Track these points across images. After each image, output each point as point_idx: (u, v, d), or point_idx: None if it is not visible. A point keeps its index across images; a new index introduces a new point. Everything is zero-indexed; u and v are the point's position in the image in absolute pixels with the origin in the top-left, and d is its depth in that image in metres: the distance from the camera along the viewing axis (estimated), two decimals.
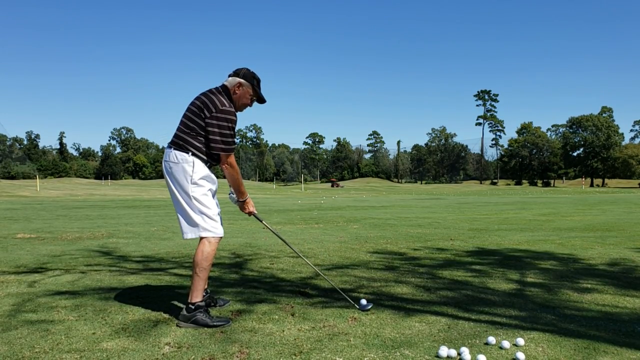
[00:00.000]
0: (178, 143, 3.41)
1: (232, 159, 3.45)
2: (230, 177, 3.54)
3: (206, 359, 2.72)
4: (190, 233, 3.40)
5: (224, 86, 3.48)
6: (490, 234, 9.07)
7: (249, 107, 3.60)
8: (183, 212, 3.40)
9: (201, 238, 3.39)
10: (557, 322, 3.41)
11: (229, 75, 3.51)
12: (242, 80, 3.46)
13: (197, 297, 3.37)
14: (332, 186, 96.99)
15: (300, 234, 9.06)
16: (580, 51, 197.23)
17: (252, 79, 3.49)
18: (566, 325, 3.34)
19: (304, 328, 3.26)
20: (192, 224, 3.38)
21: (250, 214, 3.71)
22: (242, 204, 3.68)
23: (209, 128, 3.34)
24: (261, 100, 3.62)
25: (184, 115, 3.44)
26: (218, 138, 3.35)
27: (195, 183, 3.37)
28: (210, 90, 3.46)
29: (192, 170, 3.36)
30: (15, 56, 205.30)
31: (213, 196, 3.53)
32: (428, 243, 7.65)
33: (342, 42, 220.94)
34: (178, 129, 3.46)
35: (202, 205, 3.37)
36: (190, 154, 3.37)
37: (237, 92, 3.47)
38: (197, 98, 3.44)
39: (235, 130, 3.49)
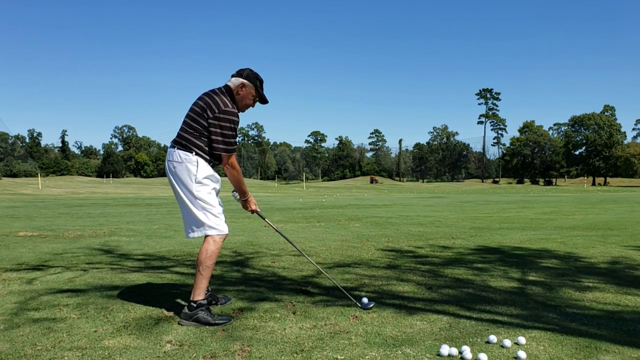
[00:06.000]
0: (181, 143, 3.42)
1: (233, 159, 3.47)
2: (231, 177, 3.57)
3: (208, 357, 2.73)
4: (195, 232, 3.42)
5: (227, 86, 3.49)
6: (492, 232, 9.07)
7: (251, 107, 3.61)
8: (187, 211, 3.41)
9: (206, 236, 3.41)
10: (558, 320, 3.41)
11: (232, 76, 3.52)
12: (245, 81, 3.46)
13: (199, 295, 3.37)
14: (371, 182, 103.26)
15: (302, 232, 9.06)
16: (583, 50, 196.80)
17: (255, 80, 3.50)
18: (568, 323, 3.33)
19: (305, 326, 3.26)
20: (198, 222, 3.40)
21: (253, 211, 3.75)
22: (244, 203, 3.71)
23: (211, 128, 3.36)
24: (263, 100, 3.62)
25: (187, 115, 3.46)
26: (220, 139, 3.36)
27: (199, 182, 3.38)
28: (213, 91, 3.47)
29: (196, 170, 3.38)
30: (17, 54, 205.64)
31: (216, 195, 3.55)
32: (430, 241, 7.65)
33: (344, 40, 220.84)
34: (181, 129, 3.48)
35: (206, 204, 3.39)
36: (193, 153, 3.38)
37: (240, 92, 3.48)
38: (200, 98, 3.45)
39: (237, 130, 3.50)
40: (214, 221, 3.41)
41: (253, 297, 4.04)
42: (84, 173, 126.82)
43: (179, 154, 3.40)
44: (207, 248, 3.38)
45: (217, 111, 3.34)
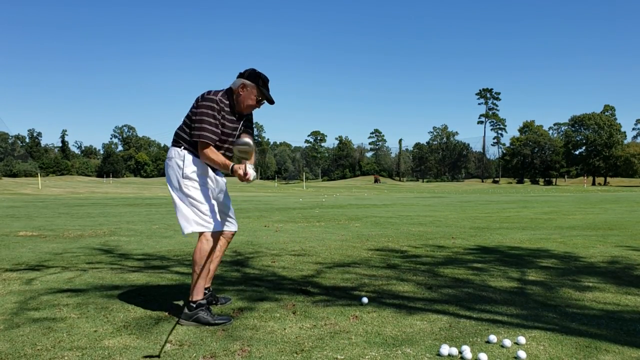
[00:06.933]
0: (174, 139, 3.49)
1: (208, 150, 3.33)
2: (211, 164, 3.42)
3: (208, 357, 2.73)
4: (186, 228, 3.39)
5: (229, 88, 3.49)
6: (492, 232, 9.07)
7: (257, 108, 3.55)
8: (177, 207, 3.42)
9: (199, 235, 3.40)
10: (558, 320, 3.41)
11: (236, 77, 3.50)
12: (246, 81, 3.42)
13: (197, 295, 3.37)
14: (375, 182, 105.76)
15: (302, 232, 9.06)
16: (583, 49, 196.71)
17: (257, 79, 3.44)
18: (567, 323, 3.33)
19: (305, 326, 3.26)
20: (186, 219, 3.38)
21: (246, 177, 3.30)
22: (239, 177, 3.34)
23: (193, 117, 3.38)
24: (269, 100, 3.53)
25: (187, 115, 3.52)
26: (196, 125, 3.34)
27: (187, 177, 3.38)
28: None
29: (183, 164, 3.39)
30: (17, 54, 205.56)
31: (221, 192, 3.59)
32: (429, 241, 7.65)
33: (344, 40, 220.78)
34: (178, 127, 3.52)
35: (193, 200, 3.37)
36: (182, 148, 3.42)
37: (241, 93, 3.44)
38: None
39: (220, 121, 3.36)
40: (203, 218, 3.37)
41: (253, 297, 4.04)
42: (84, 173, 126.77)
43: (171, 151, 3.47)
44: (201, 247, 3.37)
45: (200, 100, 3.39)
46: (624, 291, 4.26)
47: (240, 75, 3.47)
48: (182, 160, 3.39)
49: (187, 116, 3.46)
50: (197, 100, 3.42)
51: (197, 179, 3.40)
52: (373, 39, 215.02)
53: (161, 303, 3.81)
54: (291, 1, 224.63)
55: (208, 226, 3.39)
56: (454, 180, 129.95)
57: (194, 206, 3.37)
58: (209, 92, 3.42)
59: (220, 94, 3.43)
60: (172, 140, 3.53)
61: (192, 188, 3.38)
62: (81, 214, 14.15)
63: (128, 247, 6.96)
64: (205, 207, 3.39)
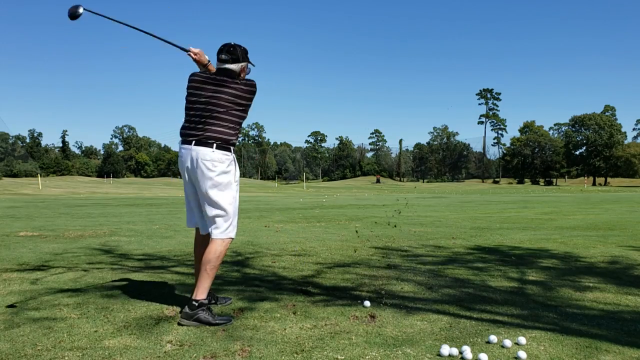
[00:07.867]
0: (217, 137, 3.41)
1: None
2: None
3: (208, 357, 2.73)
4: (230, 232, 3.48)
5: (230, 71, 3.52)
6: (492, 232, 9.06)
7: None
8: (228, 210, 3.45)
9: (214, 238, 3.43)
10: (558, 320, 3.41)
11: (224, 60, 3.52)
12: (243, 64, 3.59)
13: (202, 294, 3.38)
14: (377, 182, 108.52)
15: (302, 232, 9.06)
16: (583, 50, 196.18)
17: (248, 59, 3.64)
18: (568, 323, 3.34)
19: (305, 326, 3.26)
20: (232, 223, 3.48)
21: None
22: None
23: (244, 114, 3.55)
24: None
25: (215, 110, 3.41)
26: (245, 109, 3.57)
27: (237, 182, 3.53)
28: (224, 80, 3.48)
29: (234, 170, 3.53)
30: (17, 54, 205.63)
31: None
32: (430, 241, 7.65)
33: (344, 40, 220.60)
34: (211, 124, 3.41)
35: (236, 206, 3.52)
36: (231, 151, 3.49)
37: (242, 74, 3.60)
38: (221, 91, 3.44)
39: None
40: (235, 224, 3.51)
41: (253, 297, 4.04)
42: (85, 173, 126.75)
43: (215, 153, 3.38)
44: (216, 249, 3.40)
45: (246, 100, 3.50)
46: (624, 291, 4.26)
47: (234, 59, 3.52)
48: (234, 166, 3.50)
49: (225, 117, 3.41)
50: (240, 104, 3.46)
51: (239, 184, 3.57)
52: (373, 39, 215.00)
53: (161, 303, 3.81)
54: (291, 0, 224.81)
55: (235, 233, 3.53)
56: (454, 180, 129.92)
57: (236, 211, 3.52)
58: (248, 92, 3.51)
59: (244, 82, 3.55)
60: (212, 137, 3.38)
61: (237, 194, 3.53)
62: (81, 214, 14.15)
63: (128, 247, 6.97)
64: (236, 213, 3.54)
